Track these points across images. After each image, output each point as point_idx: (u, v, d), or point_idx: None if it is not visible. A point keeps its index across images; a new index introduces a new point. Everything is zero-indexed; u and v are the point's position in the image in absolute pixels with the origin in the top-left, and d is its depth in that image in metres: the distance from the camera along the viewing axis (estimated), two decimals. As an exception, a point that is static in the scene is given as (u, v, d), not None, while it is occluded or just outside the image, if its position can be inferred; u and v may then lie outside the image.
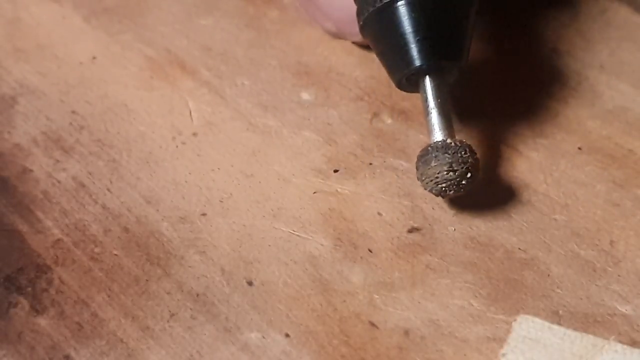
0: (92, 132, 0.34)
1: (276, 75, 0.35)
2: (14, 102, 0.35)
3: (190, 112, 0.34)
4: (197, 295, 0.29)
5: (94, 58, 0.36)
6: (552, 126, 0.33)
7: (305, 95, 0.35)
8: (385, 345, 0.28)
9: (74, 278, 0.29)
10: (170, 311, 0.28)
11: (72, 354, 0.28)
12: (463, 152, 0.29)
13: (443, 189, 0.29)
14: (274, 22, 0.38)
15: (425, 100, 0.30)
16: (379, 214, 0.31)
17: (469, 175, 0.29)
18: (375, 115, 0.34)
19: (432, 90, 0.30)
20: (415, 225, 0.31)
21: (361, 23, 0.31)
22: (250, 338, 0.28)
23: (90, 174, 0.32)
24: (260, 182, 0.32)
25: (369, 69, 0.35)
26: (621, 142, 0.33)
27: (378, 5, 0.30)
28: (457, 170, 0.29)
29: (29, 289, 0.29)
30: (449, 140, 0.30)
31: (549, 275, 0.29)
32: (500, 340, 0.27)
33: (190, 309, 0.29)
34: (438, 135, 0.30)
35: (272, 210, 0.31)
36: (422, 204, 0.31)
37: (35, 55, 0.36)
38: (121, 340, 0.28)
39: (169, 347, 0.28)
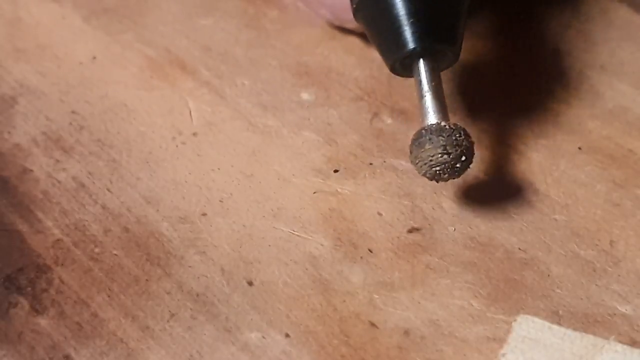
0: (92, 132, 0.34)
1: (276, 75, 0.35)
2: (14, 102, 0.35)
3: (190, 112, 0.34)
4: (197, 295, 0.29)
5: (94, 58, 0.36)
6: (552, 126, 0.33)
7: (305, 95, 0.35)
8: (385, 345, 0.28)
9: (74, 278, 0.29)
10: (170, 311, 0.28)
11: (72, 354, 0.28)
12: (458, 135, 0.29)
13: (437, 172, 0.29)
14: (274, 22, 0.38)
15: (419, 83, 0.30)
16: (379, 214, 0.31)
17: (463, 158, 0.29)
18: (375, 115, 0.34)
19: (426, 73, 0.30)
20: (415, 225, 0.31)
21: (354, 6, 0.31)
22: (250, 338, 0.28)
23: (90, 174, 0.32)
24: (260, 182, 0.32)
25: (369, 69, 0.35)
26: (621, 142, 0.33)
27: None
28: (451, 152, 0.29)
29: (29, 289, 0.29)
30: (443, 123, 0.29)
31: (549, 275, 0.29)
32: (500, 340, 0.27)
33: (190, 309, 0.29)
34: (432, 118, 0.29)
35: (272, 210, 0.31)
36: (422, 204, 0.31)
37: (35, 55, 0.36)
38: (121, 340, 0.28)
39: (169, 347, 0.28)
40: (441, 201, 0.31)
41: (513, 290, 0.29)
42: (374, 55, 0.32)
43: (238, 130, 0.34)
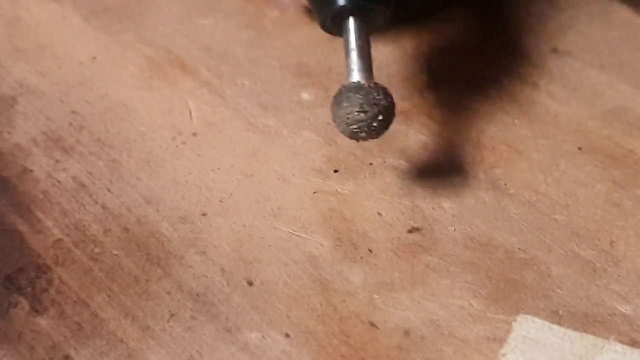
0: (92, 132, 0.34)
1: (276, 75, 0.35)
2: (14, 102, 0.35)
3: (190, 112, 0.34)
4: (197, 295, 0.29)
5: (94, 58, 0.36)
6: (552, 126, 0.33)
7: (305, 95, 0.35)
8: (385, 345, 0.28)
9: (74, 278, 0.29)
10: (170, 311, 0.28)
11: (72, 354, 0.28)
12: (376, 94, 0.29)
13: (354, 130, 0.29)
14: (274, 22, 0.38)
15: (346, 41, 0.30)
16: (379, 214, 0.31)
17: (380, 117, 0.29)
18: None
19: (354, 31, 0.30)
20: (415, 225, 0.31)
21: None
22: (250, 338, 0.28)
23: (90, 174, 0.32)
24: (260, 182, 0.32)
25: (369, 69, 0.35)
26: (621, 142, 0.33)
27: None
28: (367, 111, 0.28)
29: (29, 289, 0.29)
30: (363, 82, 0.29)
31: (549, 275, 0.29)
32: (500, 340, 0.27)
33: (190, 309, 0.29)
34: (355, 76, 0.29)
35: (272, 210, 0.31)
36: (422, 204, 0.31)
37: (35, 55, 0.36)
38: (121, 340, 0.28)
39: (169, 347, 0.28)
40: (441, 201, 0.31)
41: (513, 290, 0.29)
42: (374, 55, 0.32)
43: (238, 130, 0.34)
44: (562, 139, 0.33)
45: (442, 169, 0.32)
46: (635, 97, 0.34)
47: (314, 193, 0.32)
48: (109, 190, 0.32)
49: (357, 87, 0.29)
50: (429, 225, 0.31)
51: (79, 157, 0.33)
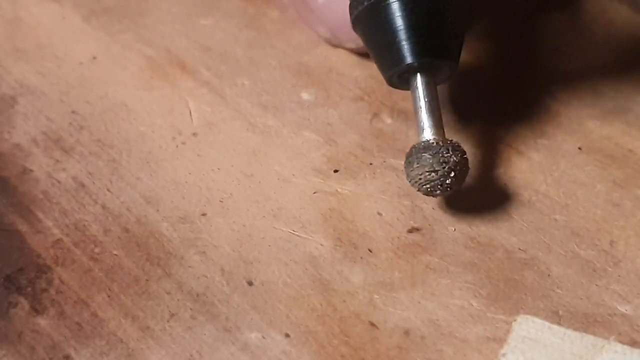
0: (92, 132, 0.34)
1: (276, 75, 0.35)
2: (14, 102, 0.35)
3: (190, 112, 0.34)
4: (197, 295, 0.29)
5: (94, 58, 0.36)
6: (552, 126, 0.33)
7: (305, 95, 0.35)
8: (385, 345, 0.28)
9: (74, 278, 0.29)
10: (170, 311, 0.28)
11: (72, 354, 0.28)
12: (445, 152, 0.29)
13: (428, 189, 0.29)
14: (274, 22, 0.38)
15: (415, 98, 0.30)
16: (379, 214, 0.31)
17: (452, 174, 0.29)
18: (375, 115, 0.34)
19: (422, 87, 0.30)
20: (415, 225, 0.31)
21: (353, 18, 0.31)
22: (250, 338, 0.28)
23: (90, 174, 0.32)
24: (260, 182, 0.32)
25: (368, 69, 0.35)
26: (621, 142, 0.33)
27: (369, 2, 0.30)
28: (438, 170, 0.29)
29: (29, 289, 0.29)
30: (431, 140, 0.29)
31: (549, 275, 0.29)
32: (500, 340, 0.27)
33: (190, 309, 0.29)
34: (426, 134, 0.30)
35: (272, 210, 0.31)
36: (422, 204, 0.31)
37: (35, 55, 0.36)
38: (121, 340, 0.28)
39: (169, 347, 0.28)
40: (441, 201, 0.31)
41: (513, 290, 0.29)
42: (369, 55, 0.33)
43: (238, 130, 0.34)
44: (562, 139, 0.33)
45: (442, 169, 0.32)
46: (635, 97, 0.34)
47: (314, 193, 0.32)
48: (109, 190, 0.32)
49: (426, 146, 0.29)
50: (429, 225, 0.31)
51: (79, 157, 0.33)
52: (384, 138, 0.33)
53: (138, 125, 0.34)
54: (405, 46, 0.30)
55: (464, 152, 0.30)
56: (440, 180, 0.29)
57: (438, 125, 0.30)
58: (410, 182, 0.30)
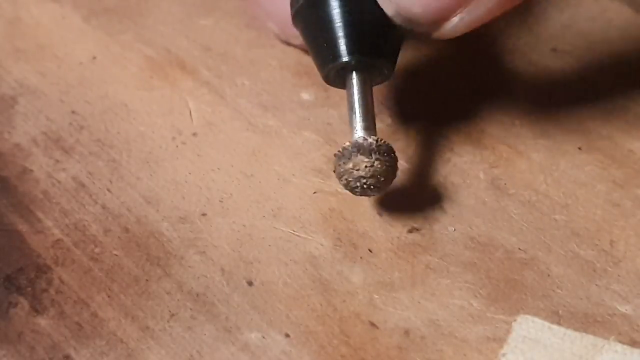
0: (92, 132, 0.34)
1: (276, 75, 0.35)
2: (14, 102, 0.35)
3: (190, 112, 0.34)
4: (197, 295, 0.29)
5: (94, 58, 0.36)
6: (552, 126, 0.33)
7: (305, 95, 0.35)
8: (385, 345, 0.28)
9: (74, 278, 0.29)
10: (170, 311, 0.28)
11: (72, 354, 0.28)
12: (377, 151, 0.29)
13: (356, 188, 0.29)
14: (274, 22, 0.37)
15: (350, 96, 0.30)
16: (379, 214, 0.31)
17: (379, 176, 0.29)
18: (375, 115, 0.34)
19: (357, 86, 0.30)
20: (415, 225, 0.31)
21: (293, 13, 0.31)
22: (250, 338, 0.28)
23: (90, 174, 0.32)
24: (260, 182, 0.32)
25: (369, 69, 0.35)
26: (621, 142, 0.33)
27: None
28: (368, 169, 0.29)
29: (29, 289, 0.29)
30: (362, 140, 0.29)
31: (549, 275, 0.29)
32: (500, 340, 0.27)
33: (190, 309, 0.29)
34: (357, 133, 0.29)
35: (272, 210, 0.31)
36: (422, 204, 0.31)
37: (35, 55, 0.36)
38: (121, 340, 0.28)
39: (169, 347, 0.28)
40: (441, 201, 0.31)
41: (513, 290, 0.29)
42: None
43: (238, 130, 0.34)
44: (562, 139, 0.33)
45: (442, 169, 0.32)
46: (635, 96, 0.34)
47: (314, 193, 0.32)
48: (109, 190, 0.32)
49: (357, 145, 0.29)
50: (429, 225, 0.31)
51: (79, 157, 0.33)
52: (384, 138, 0.33)
53: (138, 125, 0.34)
54: (343, 44, 0.30)
55: (394, 154, 0.29)
56: (368, 181, 0.29)
57: (371, 125, 0.30)
58: (338, 178, 0.29)
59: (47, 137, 0.33)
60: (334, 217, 0.31)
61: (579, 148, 0.33)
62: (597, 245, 0.30)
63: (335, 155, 0.30)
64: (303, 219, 0.31)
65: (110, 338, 0.28)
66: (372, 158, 0.29)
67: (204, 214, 0.31)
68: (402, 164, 0.32)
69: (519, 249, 0.30)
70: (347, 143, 0.29)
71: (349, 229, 0.31)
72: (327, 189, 0.32)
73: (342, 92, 0.35)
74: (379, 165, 0.29)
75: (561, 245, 0.30)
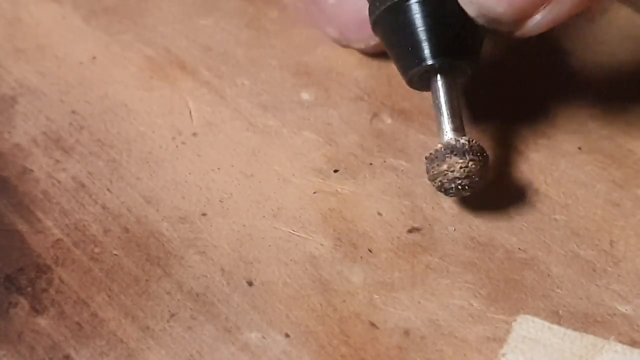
0: (92, 132, 0.34)
1: (276, 75, 0.35)
2: (14, 102, 0.35)
3: (190, 112, 0.34)
4: (197, 295, 0.29)
5: (94, 58, 0.36)
6: (552, 126, 0.33)
7: (305, 95, 0.35)
8: (385, 345, 0.28)
9: (74, 278, 0.29)
10: (170, 311, 0.28)
11: (72, 354, 0.28)
12: (468, 151, 0.29)
13: (450, 190, 0.29)
14: (274, 22, 0.38)
15: (436, 99, 0.30)
16: (379, 214, 0.31)
17: (474, 176, 0.29)
18: (375, 115, 0.34)
19: (442, 88, 0.30)
20: (415, 225, 0.31)
21: (373, 20, 0.31)
22: (250, 338, 0.28)
23: (90, 174, 0.32)
24: (260, 182, 0.32)
25: (369, 69, 0.35)
26: (621, 142, 0.33)
27: (390, 3, 0.30)
28: (461, 170, 0.29)
29: (29, 289, 0.29)
30: (454, 141, 0.29)
31: (549, 275, 0.29)
32: (500, 340, 0.27)
33: (190, 309, 0.29)
34: (448, 135, 0.30)
35: (272, 210, 0.31)
36: (422, 204, 0.31)
37: (35, 55, 0.36)
38: (121, 340, 0.28)
39: (169, 347, 0.28)
40: (441, 201, 0.31)
41: (513, 290, 0.29)
42: (374, 56, 0.33)
43: (238, 130, 0.34)
44: (562, 139, 0.33)
45: (442, 169, 0.32)
46: (635, 96, 0.34)
47: (314, 193, 0.32)
48: (109, 190, 0.32)
49: (449, 146, 0.29)
50: (429, 225, 0.31)
51: (79, 157, 0.33)
52: (384, 138, 0.33)
53: (138, 125, 0.34)
54: (426, 47, 0.30)
55: (486, 154, 0.30)
56: (462, 182, 0.29)
57: (460, 127, 0.30)
58: (431, 181, 0.30)
59: (47, 137, 0.33)
60: (334, 217, 0.31)
61: (579, 148, 0.33)
62: (597, 245, 0.30)
63: (426, 157, 0.30)
64: (303, 219, 0.31)
65: (110, 338, 0.28)
66: (466, 159, 0.29)
67: (204, 214, 0.31)
68: (402, 164, 0.32)
69: (519, 249, 0.30)
70: (439, 145, 0.30)
71: (349, 229, 0.31)
72: (327, 189, 0.32)
73: (342, 92, 0.35)
74: (473, 166, 0.29)
75: (561, 245, 0.30)
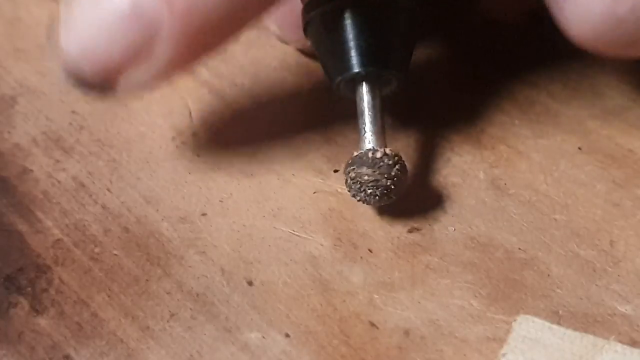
0: (92, 132, 0.34)
1: (276, 75, 0.35)
2: (14, 102, 0.35)
3: (190, 112, 0.34)
4: (197, 295, 0.29)
5: (94, 58, 0.36)
6: (552, 126, 0.33)
7: (305, 95, 0.35)
8: (385, 345, 0.28)
9: (74, 278, 0.29)
10: (170, 311, 0.28)
11: (72, 354, 0.28)
12: (387, 161, 0.29)
13: (364, 198, 0.29)
14: (274, 22, 0.37)
15: (359, 106, 0.30)
16: (379, 214, 0.31)
17: (389, 184, 0.29)
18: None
19: (367, 97, 0.30)
20: (415, 225, 0.31)
21: (305, 23, 0.31)
22: (250, 338, 0.28)
23: (90, 174, 0.32)
24: (260, 182, 0.32)
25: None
26: (621, 142, 0.33)
27: (320, 9, 0.30)
28: (378, 179, 0.29)
29: (29, 289, 0.29)
30: (370, 151, 0.29)
31: (549, 275, 0.29)
32: (500, 340, 0.27)
33: (190, 309, 0.29)
34: (366, 143, 0.30)
35: (272, 210, 0.31)
36: (422, 204, 0.31)
37: (35, 55, 0.36)
38: (121, 340, 0.28)
39: (169, 347, 0.28)
40: (441, 201, 0.31)
41: (513, 290, 0.29)
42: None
43: (238, 130, 0.34)
44: (562, 139, 0.33)
45: (442, 169, 0.32)
46: (635, 96, 0.34)
47: (314, 193, 0.32)
48: (109, 190, 0.32)
49: (363, 155, 0.29)
50: (429, 225, 0.31)
51: (79, 157, 0.33)
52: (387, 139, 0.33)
53: (138, 125, 0.34)
54: (354, 55, 0.30)
55: (404, 165, 0.30)
56: (378, 191, 0.29)
57: (380, 136, 0.30)
58: (347, 187, 0.30)
59: (47, 137, 0.33)
60: (334, 217, 0.31)
61: (579, 148, 0.33)
62: (597, 245, 0.30)
63: (344, 163, 0.30)
64: (303, 219, 0.31)
65: (110, 338, 0.28)
66: (375, 170, 0.29)
67: (204, 214, 0.31)
68: (402, 164, 0.32)
69: (519, 249, 0.30)
70: (355, 153, 0.30)
71: (349, 229, 0.30)
72: (327, 189, 0.32)
73: (342, 92, 0.35)
74: (384, 176, 0.29)
75: (561, 245, 0.30)
